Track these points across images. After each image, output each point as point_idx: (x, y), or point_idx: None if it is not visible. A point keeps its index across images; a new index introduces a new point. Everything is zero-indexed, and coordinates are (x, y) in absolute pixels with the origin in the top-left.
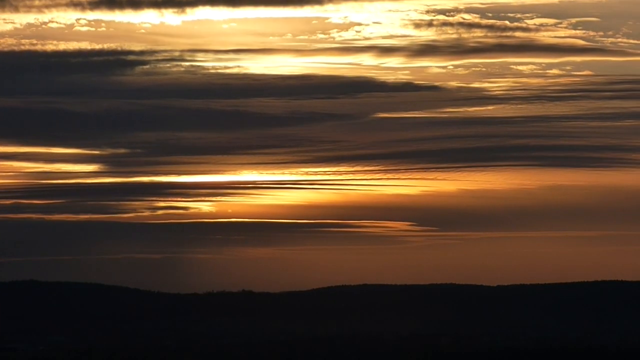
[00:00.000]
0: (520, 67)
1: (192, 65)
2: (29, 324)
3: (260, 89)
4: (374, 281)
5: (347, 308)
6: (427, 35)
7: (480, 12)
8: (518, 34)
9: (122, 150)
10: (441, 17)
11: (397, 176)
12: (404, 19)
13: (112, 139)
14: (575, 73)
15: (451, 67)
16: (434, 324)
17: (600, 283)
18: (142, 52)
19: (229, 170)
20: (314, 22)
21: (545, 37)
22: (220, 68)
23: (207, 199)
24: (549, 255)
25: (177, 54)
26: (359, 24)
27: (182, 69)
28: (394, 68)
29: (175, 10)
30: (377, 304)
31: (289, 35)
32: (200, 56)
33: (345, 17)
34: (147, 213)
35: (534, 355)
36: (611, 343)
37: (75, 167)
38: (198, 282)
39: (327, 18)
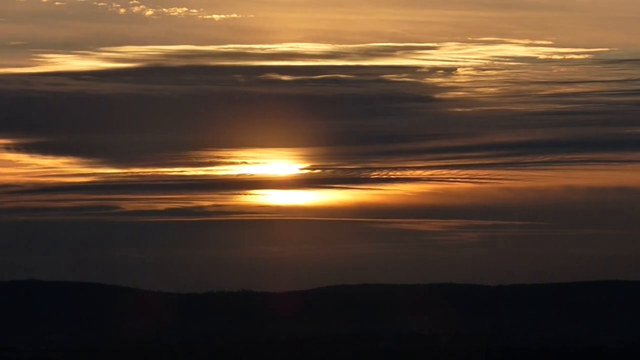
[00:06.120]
0: None
1: None
2: (29, 324)
3: None
4: (374, 281)
5: (347, 308)
6: None
7: None
8: None
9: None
10: None
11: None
12: None
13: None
14: None
15: None
16: (434, 324)
17: (600, 283)
18: None
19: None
20: None
21: None
22: None
23: (205, 196)
24: (549, 255)
25: None
26: None
27: None
28: None
29: None
30: (377, 304)
31: None
32: None
33: None
34: (145, 211)
35: (534, 355)
36: (611, 343)
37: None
38: (198, 282)
39: None
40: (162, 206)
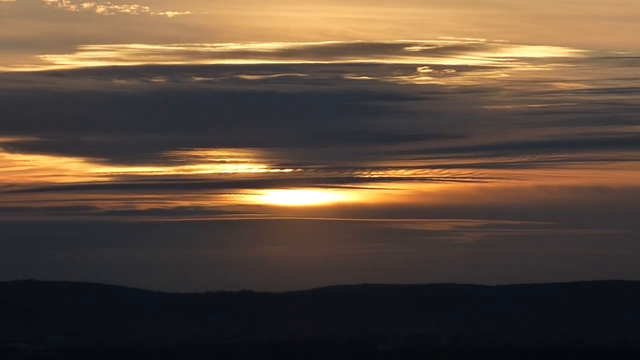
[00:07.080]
0: None
1: None
2: (29, 324)
3: None
4: (374, 281)
5: (347, 308)
6: None
7: None
8: None
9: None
10: None
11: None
12: None
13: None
14: None
15: None
16: (434, 324)
17: (600, 283)
18: None
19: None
20: None
21: None
22: None
23: (204, 195)
24: (549, 255)
25: None
26: None
27: None
28: None
29: None
30: (377, 304)
31: None
32: None
33: None
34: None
35: (534, 355)
36: (611, 343)
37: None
38: (198, 282)
39: None
40: (145, 206)
